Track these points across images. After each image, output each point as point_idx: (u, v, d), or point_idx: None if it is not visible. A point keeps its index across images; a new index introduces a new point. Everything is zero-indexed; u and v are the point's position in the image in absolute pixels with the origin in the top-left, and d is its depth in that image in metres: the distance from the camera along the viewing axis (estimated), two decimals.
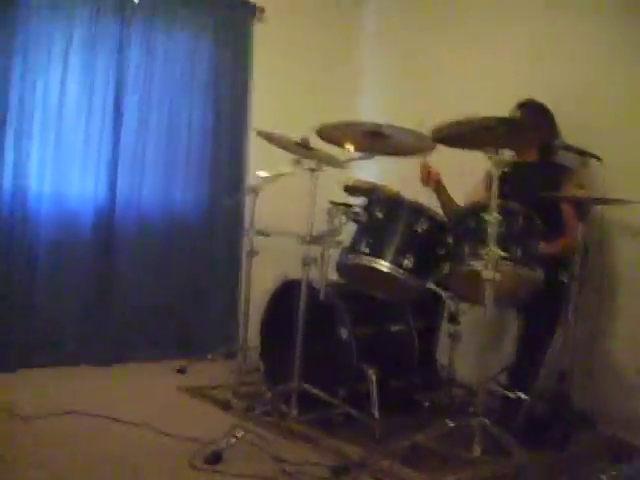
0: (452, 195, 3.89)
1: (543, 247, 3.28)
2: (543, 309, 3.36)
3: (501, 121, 2.85)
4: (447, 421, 2.89)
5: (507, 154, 2.86)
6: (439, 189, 3.85)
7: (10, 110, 4.21)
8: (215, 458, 2.75)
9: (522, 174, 3.52)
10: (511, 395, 3.36)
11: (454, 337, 3.68)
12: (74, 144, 4.49)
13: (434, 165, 3.78)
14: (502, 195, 2.91)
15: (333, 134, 3.39)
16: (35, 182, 4.36)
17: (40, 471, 2.58)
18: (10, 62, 4.19)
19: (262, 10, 5.19)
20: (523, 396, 3.25)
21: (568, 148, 3.48)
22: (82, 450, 2.86)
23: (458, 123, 2.89)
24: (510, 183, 3.15)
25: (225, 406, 3.61)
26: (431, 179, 3.80)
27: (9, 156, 4.23)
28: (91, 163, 4.55)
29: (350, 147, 3.37)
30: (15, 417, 3.19)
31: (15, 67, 4.21)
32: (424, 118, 3.11)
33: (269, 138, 3.90)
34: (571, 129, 3.79)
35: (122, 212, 4.65)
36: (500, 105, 3.57)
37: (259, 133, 3.89)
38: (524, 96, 3.86)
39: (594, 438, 3.28)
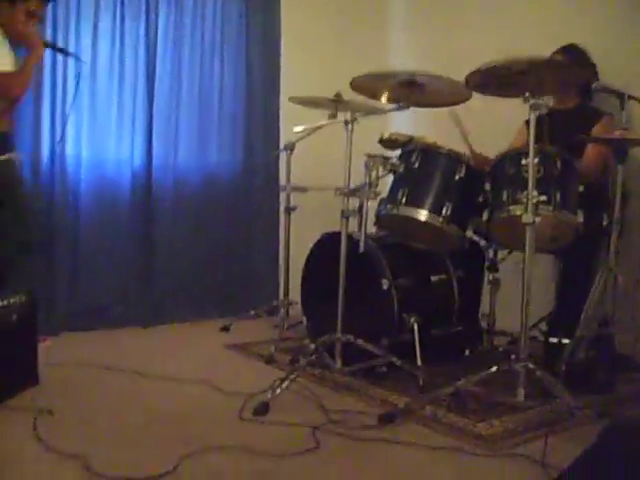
0: (493, 143, 3.84)
1: None
2: (582, 253, 3.35)
3: (536, 62, 2.81)
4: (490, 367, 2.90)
5: (544, 98, 2.84)
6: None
7: (44, 78, 4.26)
8: (263, 409, 2.81)
9: (558, 120, 3.49)
10: (553, 340, 3.38)
11: (494, 285, 3.70)
12: (108, 109, 4.55)
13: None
14: (540, 140, 2.89)
15: (367, 86, 3.38)
16: (72, 148, 4.42)
17: (91, 426, 2.66)
18: (41, 31, 4.21)
19: None
20: (565, 341, 3.25)
21: (607, 90, 3.41)
22: (133, 405, 2.94)
23: (493, 68, 2.86)
24: (547, 129, 3.14)
25: (269, 360, 3.66)
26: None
27: (46, 123, 4.29)
28: (126, 128, 4.61)
29: (385, 98, 3.36)
30: (62, 376, 3.29)
31: (46, 35, 4.23)
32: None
33: (302, 102, 3.90)
34: (610, 73, 3.73)
35: (159, 175, 4.71)
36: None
37: (291, 99, 3.89)
38: (561, 44, 3.81)
39: (638, 381, 3.28)
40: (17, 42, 3.39)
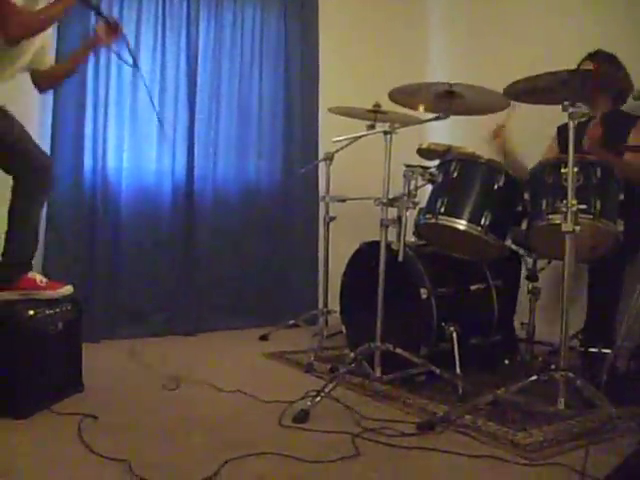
0: (529, 153, 3.85)
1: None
2: (613, 262, 3.29)
3: (575, 73, 2.81)
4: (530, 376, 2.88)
5: (583, 106, 2.83)
6: (503, 149, 3.84)
7: (87, 89, 4.36)
8: (303, 416, 2.82)
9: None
10: (593, 351, 3.34)
11: (533, 294, 3.68)
12: (150, 120, 4.61)
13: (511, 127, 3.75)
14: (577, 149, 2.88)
15: (405, 98, 3.39)
16: (113, 159, 4.52)
17: (134, 431, 2.70)
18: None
19: None
20: (605, 350, 3.22)
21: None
22: (174, 412, 2.97)
23: (531, 79, 2.87)
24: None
25: (308, 369, 3.68)
26: (499, 136, 3.79)
27: (88, 134, 4.39)
28: (167, 139, 4.67)
29: (423, 108, 3.37)
30: (107, 382, 3.37)
31: None
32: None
33: (342, 112, 3.91)
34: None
35: (199, 185, 4.78)
36: (567, 62, 3.52)
37: (331, 110, 3.90)
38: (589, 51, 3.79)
39: None
40: None
